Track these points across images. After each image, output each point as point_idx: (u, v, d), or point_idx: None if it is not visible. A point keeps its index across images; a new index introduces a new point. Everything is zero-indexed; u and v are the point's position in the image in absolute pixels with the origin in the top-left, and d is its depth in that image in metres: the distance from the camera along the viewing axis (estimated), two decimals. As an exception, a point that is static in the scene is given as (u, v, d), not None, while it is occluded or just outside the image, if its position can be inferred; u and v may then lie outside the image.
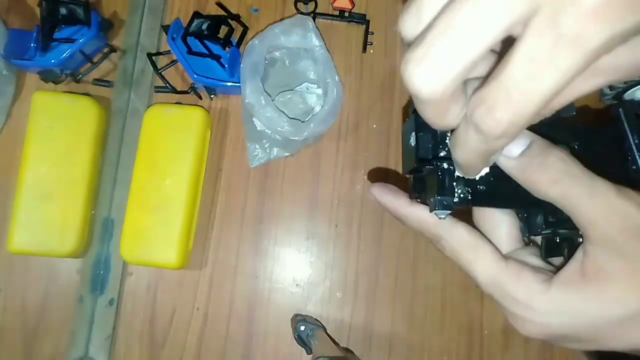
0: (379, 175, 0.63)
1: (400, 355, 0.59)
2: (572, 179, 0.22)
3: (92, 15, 0.59)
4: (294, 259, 0.61)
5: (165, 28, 0.62)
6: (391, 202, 0.27)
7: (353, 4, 0.64)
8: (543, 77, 0.17)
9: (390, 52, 0.66)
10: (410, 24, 0.18)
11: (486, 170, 0.25)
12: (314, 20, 0.61)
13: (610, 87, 0.56)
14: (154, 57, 0.62)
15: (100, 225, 0.59)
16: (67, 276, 0.60)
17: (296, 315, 0.59)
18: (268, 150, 0.61)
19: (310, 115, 0.62)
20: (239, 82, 0.59)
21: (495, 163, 0.25)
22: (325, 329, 0.58)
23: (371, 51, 0.66)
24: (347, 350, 0.59)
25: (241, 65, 0.59)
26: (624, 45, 0.17)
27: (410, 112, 0.26)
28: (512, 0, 0.16)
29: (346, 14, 0.65)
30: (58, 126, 0.57)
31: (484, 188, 0.25)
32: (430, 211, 0.25)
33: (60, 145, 0.57)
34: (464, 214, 0.28)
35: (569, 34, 0.16)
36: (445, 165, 0.24)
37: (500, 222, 0.28)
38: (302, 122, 0.59)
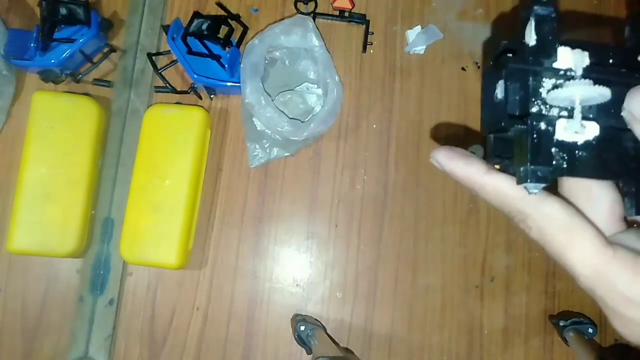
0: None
1: (400, 355, 0.59)
2: None
3: (92, 15, 0.59)
4: (294, 258, 0.61)
5: (165, 28, 0.62)
6: (462, 169, 0.22)
7: (353, 4, 0.64)
8: None
9: (390, 52, 0.66)
10: None
11: (596, 132, 0.20)
12: (314, 20, 0.61)
13: None
14: (154, 57, 0.62)
15: (100, 225, 0.59)
16: (67, 276, 0.60)
17: (296, 315, 0.59)
18: (268, 150, 0.61)
19: (310, 115, 0.62)
20: (239, 82, 0.59)
21: (601, 122, 0.20)
22: (325, 329, 0.58)
23: (371, 51, 0.66)
24: (347, 350, 0.59)
25: (241, 65, 0.59)
26: None
27: (495, 57, 0.21)
28: None
29: (346, 14, 0.65)
30: (58, 126, 0.57)
31: (585, 154, 0.20)
32: (518, 183, 0.19)
33: (60, 145, 0.57)
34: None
35: None
36: (542, 126, 0.19)
37: (600, 198, 0.22)
38: (302, 122, 0.59)
